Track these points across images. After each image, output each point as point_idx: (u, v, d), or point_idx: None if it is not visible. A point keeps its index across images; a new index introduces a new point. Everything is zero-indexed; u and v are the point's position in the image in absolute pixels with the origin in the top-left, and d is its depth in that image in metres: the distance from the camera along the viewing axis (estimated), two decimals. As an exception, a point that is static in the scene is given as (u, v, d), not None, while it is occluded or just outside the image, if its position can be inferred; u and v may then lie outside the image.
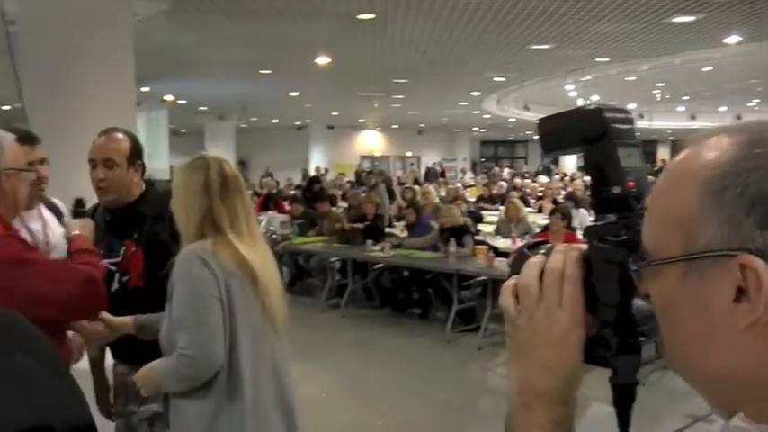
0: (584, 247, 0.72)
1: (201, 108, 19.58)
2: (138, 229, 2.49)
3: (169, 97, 15.51)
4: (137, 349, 2.43)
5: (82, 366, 2.64)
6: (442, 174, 25.88)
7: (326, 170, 23.27)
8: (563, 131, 0.78)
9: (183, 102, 16.98)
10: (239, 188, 2.14)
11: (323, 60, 11.00)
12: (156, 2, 6.18)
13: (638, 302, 0.69)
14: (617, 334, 0.69)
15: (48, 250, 2.61)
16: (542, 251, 0.75)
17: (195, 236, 2.06)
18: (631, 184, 0.71)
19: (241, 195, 2.14)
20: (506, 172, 24.12)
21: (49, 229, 2.75)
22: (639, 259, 0.65)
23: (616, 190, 0.71)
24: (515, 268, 0.76)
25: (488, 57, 10.75)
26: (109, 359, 2.72)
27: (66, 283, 1.98)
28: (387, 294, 8.47)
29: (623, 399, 0.70)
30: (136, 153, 2.55)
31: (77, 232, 2.26)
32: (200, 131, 22.12)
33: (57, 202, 2.98)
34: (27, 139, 2.64)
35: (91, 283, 2.02)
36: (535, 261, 0.73)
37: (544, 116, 0.80)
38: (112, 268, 2.46)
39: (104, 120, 5.83)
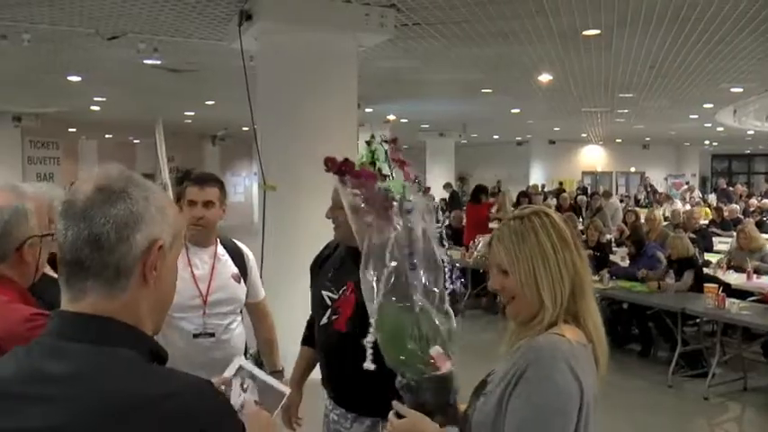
0: None
1: (423, 126, 20.04)
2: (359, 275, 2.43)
3: (391, 117, 16.08)
4: (356, 396, 2.39)
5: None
6: (653, 192, 23.65)
7: (543, 185, 22.55)
8: None
9: (405, 120, 17.48)
10: None
11: (545, 78, 10.75)
12: (380, 33, 6.37)
13: None
14: None
15: (208, 287, 2.77)
16: None
17: (556, 309, 1.67)
18: None
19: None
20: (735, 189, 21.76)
21: (218, 268, 2.85)
22: None
23: None
24: None
25: (725, 66, 9.80)
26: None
27: None
28: (604, 327, 8.02)
29: None
30: None
31: None
32: (422, 147, 22.67)
33: (241, 246, 3.05)
34: (197, 180, 2.83)
35: None
36: None
37: None
38: (328, 303, 2.45)
39: (328, 139, 6.24)
